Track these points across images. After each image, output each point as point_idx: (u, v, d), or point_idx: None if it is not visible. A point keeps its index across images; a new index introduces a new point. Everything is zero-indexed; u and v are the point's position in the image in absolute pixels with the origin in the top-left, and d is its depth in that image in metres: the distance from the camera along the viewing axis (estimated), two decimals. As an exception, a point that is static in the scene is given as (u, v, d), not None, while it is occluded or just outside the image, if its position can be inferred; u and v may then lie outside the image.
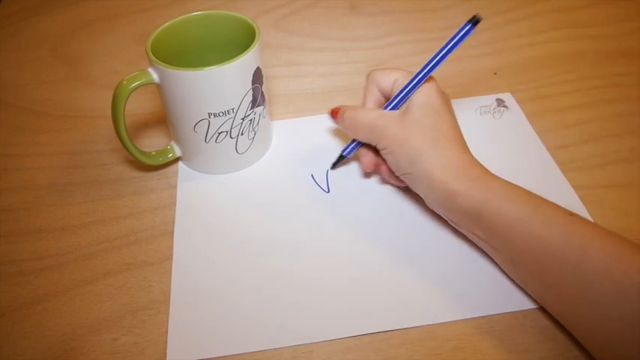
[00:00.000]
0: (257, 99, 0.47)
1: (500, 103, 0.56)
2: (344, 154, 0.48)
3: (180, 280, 0.42)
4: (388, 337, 0.38)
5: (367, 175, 0.49)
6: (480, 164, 0.40)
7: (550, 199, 0.39)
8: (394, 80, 0.44)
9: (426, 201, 0.42)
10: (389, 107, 0.44)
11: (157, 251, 0.44)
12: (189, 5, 0.71)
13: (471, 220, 0.39)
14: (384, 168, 0.45)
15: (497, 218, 0.37)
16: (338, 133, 0.53)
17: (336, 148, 0.52)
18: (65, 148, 0.53)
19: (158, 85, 0.45)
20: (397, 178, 0.44)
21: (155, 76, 0.44)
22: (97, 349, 0.38)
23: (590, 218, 0.44)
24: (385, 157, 0.43)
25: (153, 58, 0.43)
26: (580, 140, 0.52)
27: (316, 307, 0.40)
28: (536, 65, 0.61)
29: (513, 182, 0.39)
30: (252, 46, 0.44)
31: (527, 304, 0.39)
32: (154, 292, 0.41)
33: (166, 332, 0.39)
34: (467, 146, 0.42)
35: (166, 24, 0.47)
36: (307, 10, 0.72)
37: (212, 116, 0.45)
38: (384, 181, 0.48)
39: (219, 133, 0.46)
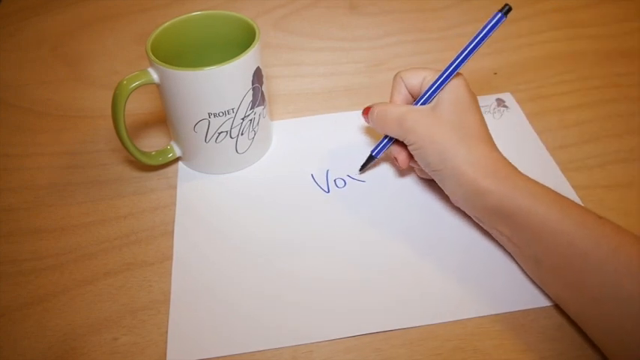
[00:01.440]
0: (257, 99, 0.47)
1: (500, 103, 0.56)
2: (373, 154, 0.47)
3: (180, 280, 0.42)
4: (388, 337, 0.38)
5: (402, 172, 0.49)
6: (509, 162, 0.40)
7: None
8: (422, 78, 0.44)
9: (453, 198, 0.42)
10: (418, 103, 0.43)
11: (157, 251, 0.44)
12: (189, 5, 0.71)
13: (497, 217, 0.39)
14: (417, 164, 0.45)
15: (526, 217, 0.37)
16: (338, 133, 0.53)
17: (336, 148, 0.52)
18: (65, 148, 0.53)
19: (158, 85, 0.45)
20: (425, 172, 0.44)
21: (155, 76, 0.44)
22: (97, 349, 0.38)
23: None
24: (413, 152, 0.43)
25: (153, 58, 0.43)
26: (580, 140, 0.52)
27: (316, 307, 0.40)
28: (536, 65, 0.61)
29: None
30: (252, 46, 0.44)
31: (527, 304, 0.39)
32: (154, 292, 0.41)
33: (166, 332, 0.39)
34: (495, 144, 0.42)
35: (166, 24, 0.47)
36: (307, 10, 0.72)
37: (212, 116, 0.45)
38: (418, 177, 0.48)
39: (219, 133, 0.46)
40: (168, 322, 0.39)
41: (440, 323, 0.39)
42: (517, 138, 0.52)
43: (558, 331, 0.38)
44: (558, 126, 0.53)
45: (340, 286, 0.41)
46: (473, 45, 0.41)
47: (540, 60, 0.62)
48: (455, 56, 0.42)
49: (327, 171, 0.50)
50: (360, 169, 0.49)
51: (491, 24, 0.40)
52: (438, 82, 0.42)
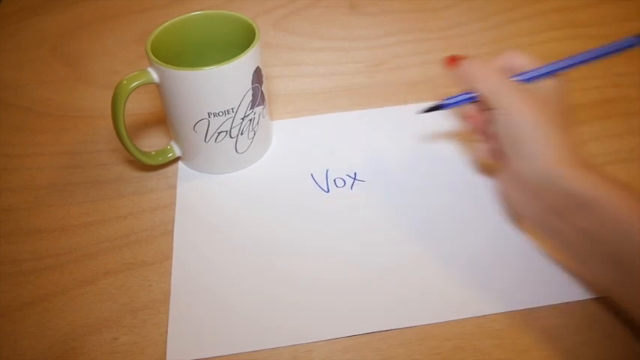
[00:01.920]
0: (257, 99, 0.47)
1: (500, 102, 0.56)
2: (445, 104, 0.43)
3: (180, 279, 0.42)
4: (387, 337, 0.38)
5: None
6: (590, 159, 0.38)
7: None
8: (526, 63, 0.41)
9: (518, 184, 0.39)
10: (518, 78, 0.41)
11: (157, 251, 0.44)
12: (189, 5, 0.71)
13: (572, 206, 0.36)
14: (484, 136, 0.43)
15: (610, 210, 0.34)
16: (338, 133, 0.53)
17: (336, 148, 0.52)
18: (65, 148, 0.53)
19: (158, 85, 0.45)
20: (494, 154, 0.42)
21: (155, 75, 0.44)
22: (97, 348, 0.38)
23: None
24: (500, 118, 0.39)
25: (153, 58, 0.43)
26: (580, 140, 0.52)
27: (316, 306, 0.40)
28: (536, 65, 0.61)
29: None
30: (252, 46, 0.44)
31: (527, 304, 0.39)
32: (154, 291, 0.41)
33: (166, 332, 0.39)
34: None
35: (166, 24, 0.47)
36: (307, 10, 0.72)
37: (212, 116, 0.45)
38: (480, 156, 0.45)
39: (219, 133, 0.46)
40: (168, 321, 0.39)
41: (439, 323, 0.39)
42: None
43: (559, 331, 0.38)
44: (558, 126, 0.53)
45: (339, 285, 0.41)
46: (598, 54, 0.41)
47: (540, 60, 0.62)
48: (575, 55, 0.41)
49: (327, 171, 0.50)
50: (424, 111, 0.44)
51: (623, 44, 0.40)
52: (546, 70, 0.40)
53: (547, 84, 0.40)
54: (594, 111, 0.55)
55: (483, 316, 0.39)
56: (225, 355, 0.38)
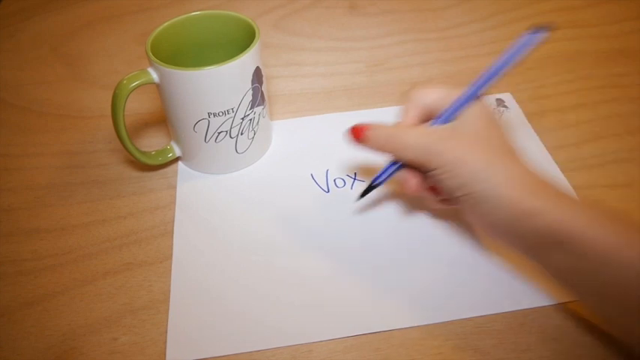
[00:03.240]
0: (257, 99, 0.47)
1: (500, 103, 0.56)
2: (376, 183, 0.42)
3: (180, 280, 0.42)
4: (388, 337, 0.38)
5: (413, 194, 0.41)
6: (551, 180, 0.35)
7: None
8: (439, 97, 0.39)
9: (485, 226, 0.37)
10: (437, 123, 0.38)
11: (157, 251, 0.44)
12: (189, 5, 0.71)
13: (546, 244, 0.33)
14: (428, 192, 0.40)
15: (587, 243, 0.32)
16: (338, 133, 0.53)
17: (336, 148, 0.52)
18: (65, 148, 0.53)
19: (158, 85, 0.45)
20: (445, 201, 0.40)
21: (155, 75, 0.44)
22: (97, 348, 0.38)
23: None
24: (438, 178, 0.37)
25: (153, 57, 0.43)
26: (580, 140, 0.52)
27: (316, 306, 0.40)
28: (536, 65, 0.61)
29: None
30: (251, 46, 0.44)
31: (526, 304, 0.39)
32: (154, 291, 0.41)
33: (166, 332, 0.39)
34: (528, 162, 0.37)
35: (166, 24, 0.47)
36: (307, 10, 0.72)
37: (212, 116, 0.45)
38: (429, 207, 0.43)
39: (219, 133, 0.46)
40: (168, 321, 0.39)
41: (440, 323, 0.39)
42: (517, 138, 0.52)
43: (558, 331, 0.38)
44: (558, 126, 0.53)
45: (339, 285, 0.41)
46: (503, 63, 0.37)
47: (540, 60, 0.62)
48: (482, 72, 0.38)
49: (327, 171, 0.50)
50: (361, 197, 0.44)
51: (527, 41, 0.36)
52: (464, 99, 0.37)
53: (470, 113, 0.37)
54: (594, 111, 0.55)
55: (484, 316, 0.39)
56: (225, 355, 0.38)
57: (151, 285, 0.42)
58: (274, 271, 0.42)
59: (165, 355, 0.37)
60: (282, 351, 0.38)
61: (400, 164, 0.40)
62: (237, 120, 0.46)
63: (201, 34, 0.49)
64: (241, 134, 0.47)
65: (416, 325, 0.39)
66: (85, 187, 0.49)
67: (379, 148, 0.39)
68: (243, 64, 0.44)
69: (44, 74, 0.63)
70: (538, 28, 0.36)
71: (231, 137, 0.47)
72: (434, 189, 0.40)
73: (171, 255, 0.43)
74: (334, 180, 0.49)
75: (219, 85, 0.44)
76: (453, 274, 0.41)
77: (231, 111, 0.45)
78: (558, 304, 0.39)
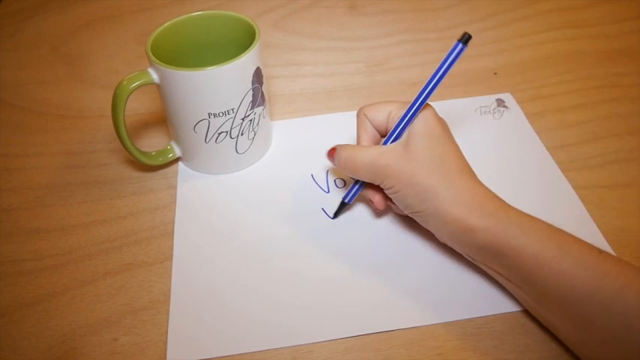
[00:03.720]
0: (257, 99, 0.47)
1: (500, 103, 0.56)
2: (346, 200, 0.45)
3: (180, 280, 0.42)
4: (388, 337, 0.38)
5: (380, 214, 0.46)
6: (495, 195, 0.38)
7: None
8: (388, 114, 0.41)
9: (439, 236, 0.40)
10: (388, 142, 0.40)
11: (157, 251, 0.44)
12: (189, 5, 0.71)
13: (490, 256, 0.37)
14: (395, 205, 0.42)
15: (521, 256, 0.34)
16: (338, 133, 0.53)
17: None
18: (65, 148, 0.53)
19: (158, 85, 0.45)
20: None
21: (155, 76, 0.44)
22: (97, 349, 0.38)
23: (590, 218, 0.44)
24: (391, 196, 0.40)
25: (153, 58, 0.43)
26: (580, 140, 0.52)
27: (316, 307, 0.40)
28: (536, 65, 0.61)
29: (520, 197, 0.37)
30: (252, 46, 0.44)
31: (527, 304, 0.39)
32: (154, 292, 0.41)
33: (166, 332, 0.39)
34: (476, 176, 0.39)
35: (166, 24, 0.47)
36: (307, 10, 0.72)
37: (212, 116, 0.45)
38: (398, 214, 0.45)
39: (219, 134, 0.46)
40: (168, 322, 0.39)
41: (440, 323, 0.39)
42: (517, 138, 0.52)
43: (558, 331, 0.38)
44: (558, 126, 0.53)
45: (340, 286, 0.41)
46: (438, 76, 0.38)
47: (540, 60, 0.62)
48: (420, 89, 0.39)
49: (327, 171, 0.50)
50: (334, 216, 0.46)
51: (453, 54, 0.38)
52: (407, 117, 0.39)
53: (417, 131, 0.39)
54: (594, 111, 0.55)
55: (484, 316, 0.39)
56: (225, 356, 0.38)
57: (151, 285, 0.42)
58: (274, 271, 0.42)
59: (165, 355, 0.37)
60: (282, 351, 0.38)
61: (362, 182, 0.43)
62: (238, 120, 0.46)
63: (201, 34, 0.49)
64: (241, 134, 0.47)
65: (416, 325, 0.39)
66: (85, 187, 0.49)
67: (342, 168, 0.42)
68: (244, 64, 0.44)
69: (44, 74, 0.62)
70: (462, 38, 0.38)
71: (231, 137, 0.47)
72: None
73: (172, 255, 0.43)
74: (334, 180, 0.49)
75: (219, 85, 0.44)
76: (453, 274, 0.41)
77: (231, 111, 0.45)
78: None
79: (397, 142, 0.40)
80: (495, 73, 0.60)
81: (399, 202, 0.40)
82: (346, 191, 0.45)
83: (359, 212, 0.46)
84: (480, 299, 0.40)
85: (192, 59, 0.49)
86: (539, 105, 0.56)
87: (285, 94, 0.59)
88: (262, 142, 0.51)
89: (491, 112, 0.55)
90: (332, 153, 0.43)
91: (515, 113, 0.55)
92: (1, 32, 0.69)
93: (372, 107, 0.42)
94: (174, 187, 0.49)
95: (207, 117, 0.45)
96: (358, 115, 0.43)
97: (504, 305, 0.39)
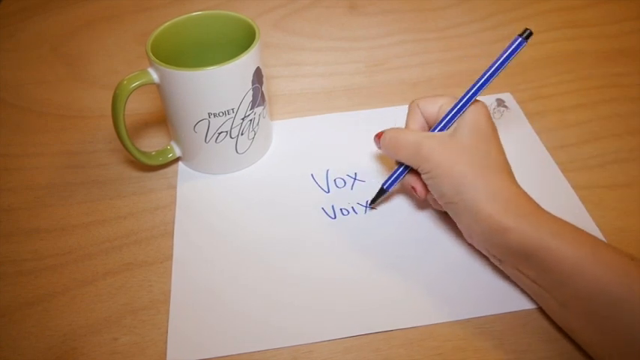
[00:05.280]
0: (257, 99, 0.47)
1: (500, 103, 0.56)
2: (385, 187, 0.44)
3: (180, 280, 0.42)
4: (388, 337, 0.38)
5: (421, 204, 0.45)
6: (530, 198, 0.37)
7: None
8: (439, 107, 0.41)
9: (467, 234, 0.39)
10: (436, 130, 0.41)
11: (157, 251, 0.44)
12: (189, 5, 0.71)
13: (519, 258, 0.36)
14: (431, 195, 0.42)
15: (554, 259, 0.34)
16: (338, 133, 0.53)
17: (336, 148, 0.52)
18: (65, 148, 0.53)
19: (158, 85, 0.45)
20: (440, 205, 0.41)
21: (155, 76, 0.44)
22: (98, 349, 0.38)
23: (590, 218, 0.45)
24: (427, 182, 0.40)
25: (153, 58, 0.43)
26: (580, 140, 0.52)
27: (316, 307, 0.40)
28: (536, 65, 0.61)
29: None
30: (252, 46, 0.44)
31: (527, 304, 0.39)
32: (154, 292, 0.41)
33: (166, 332, 0.39)
34: (514, 177, 0.39)
35: (166, 24, 0.47)
36: (307, 10, 0.72)
37: (212, 116, 0.45)
38: (431, 206, 0.45)
39: (219, 133, 0.46)
40: (168, 322, 0.39)
41: (440, 323, 0.39)
42: (517, 138, 0.52)
43: (558, 331, 0.38)
44: (558, 126, 0.53)
45: (340, 286, 0.41)
46: (493, 70, 0.40)
47: (540, 60, 0.62)
48: (474, 81, 0.40)
49: (327, 171, 0.50)
50: (371, 203, 0.46)
51: (511, 48, 0.39)
52: (457, 108, 0.40)
53: (465, 124, 0.39)
54: (594, 111, 0.55)
55: (484, 316, 0.39)
56: (225, 356, 0.38)
57: (151, 285, 0.42)
58: (274, 271, 0.42)
59: (165, 355, 0.37)
60: (282, 351, 0.38)
61: (405, 168, 0.43)
62: (238, 120, 0.46)
63: (201, 34, 0.49)
64: (241, 134, 0.47)
65: (416, 325, 0.39)
66: (85, 187, 0.49)
67: (385, 148, 0.43)
68: (244, 64, 0.44)
69: (44, 74, 0.62)
70: (523, 33, 0.39)
71: (231, 137, 0.47)
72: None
73: (172, 255, 0.43)
74: (334, 180, 0.49)
75: (219, 85, 0.44)
76: (453, 274, 0.41)
77: (231, 111, 0.45)
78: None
79: (444, 131, 0.41)
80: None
81: (435, 190, 0.40)
82: (346, 190, 0.44)
83: (359, 212, 0.46)
84: (479, 299, 0.40)
85: (192, 59, 0.49)
86: (539, 105, 0.56)
87: (285, 94, 0.59)
88: (262, 142, 0.51)
89: (492, 111, 0.55)
90: (379, 136, 0.43)
91: (515, 113, 0.55)
92: (1, 32, 0.69)
93: (425, 99, 0.43)
94: (174, 187, 0.49)
95: (207, 117, 0.45)
96: (410, 106, 0.44)
97: (504, 305, 0.39)
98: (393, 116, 0.55)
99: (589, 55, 0.62)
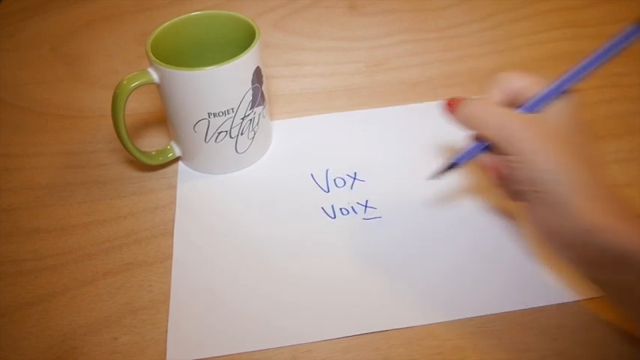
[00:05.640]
0: (257, 99, 0.47)
1: (500, 102, 0.56)
2: (458, 161, 0.39)
3: (180, 279, 0.42)
4: (388, 337, 0.38)
5: (496, 184, 0.38)
6: (622, 198, 0.33)
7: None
8: (529, 83, 0.36)
9: (545, 232, 0.34)
10: (523, 109, 0.36)
11: (157, 251, 0.44)
12: (189, 5, 0.71)
13: (611, 262, 0.32)
14: (503, 180, 0.37)
15: None
16: (338, 133, 0.53)
17: (336, 148, 0.52)
18: (65, 148, 0.53)
19: (158, 85, 0.45)
20: (516, 196, 0.36)
21: (155, 76, 0.44)
22: (98, 348, 0.38)
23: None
24: (512, 165, 0.34)
25: (153, 58, 0.43)
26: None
27: (316, 306, 0.40)
28: (536, 65, 0.61)
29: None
30: (252, 46, 0.44)
31: (527, 304, 0.39)
32: (154, 291, 0.41)
33: (166, 332, 0.39)
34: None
35: (166, 24, 0.47)
36: (307, 10, 0.72)
37: (212, 116, 0.45)
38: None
39: (219, 133, 0.46)
40: (168, 321, 0.39)
41: (440, 322, 0.39)
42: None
43: (558, 331, 0.38)
44: (558, 126, 0.53)
45: (340, 285, 0.41)
46: (602, 51, 0.35)
47: (540, 60, 0.62)
48: (580, 62, 0.35)
49: (327, 171, 0.50)
50: (436, 176, 0.41)
51: (624, 35, 0.34)
52: (553, 90, 0.35)
53: (558, 108, 0.35)
54: (594, 111, 0.55)
55: (484, 316, 0.39)
56: (225, 355, 0.38)
57: (151, 285, 0.42)
58: (274, 271, 0.42)
59: (165, 355, 0.37)
60: (282, 351, 0.38)
61: (484, 145, 0.38)
62: (237, 120, 0.46)
63: (201, 34, 0.49)
64: (241, 134, 0.47)
65: (416, 324, 0.39)
66: (85, 187, 0.49)
67: (464, 121, 0.37)
68: (244, 64, 0.44)
69: (44, 74, 0.63)
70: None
71: (231, 137, 0.47)
72: (511, 180, 0.36)
73: (172, 255, 0.43)
74: (334, 180, 0.49)
75: (219, 85, 0.44)
76: (453, 274, 0.41)
77: (231, 111, 0.45)
78: (559, 304, 0.39)
79: (536, 113, 0.35)
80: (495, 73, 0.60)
81: (520, 173, 0.34)
82: (346, 190, 0.44)
83: (359, 212, 0.46)
84: (480, 298, 0.40)
85: (192, 59, 0.49)
86: (539, 105, 0.56)
87: (285, 94, 0.59)
88: (262, 141, 0.51)
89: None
90: (453, 103, 0.37)
91: (515, 113, 0.55)
92: (1, 32, 0.69)
93: (511, 73, 0.37)
94: (174, 187, 0.49)
95: (207, 117, 0.45)
96: (496, 77, 0.38)
97: (505, 304, 0.39)
98: (393, 116, 0.55)
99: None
